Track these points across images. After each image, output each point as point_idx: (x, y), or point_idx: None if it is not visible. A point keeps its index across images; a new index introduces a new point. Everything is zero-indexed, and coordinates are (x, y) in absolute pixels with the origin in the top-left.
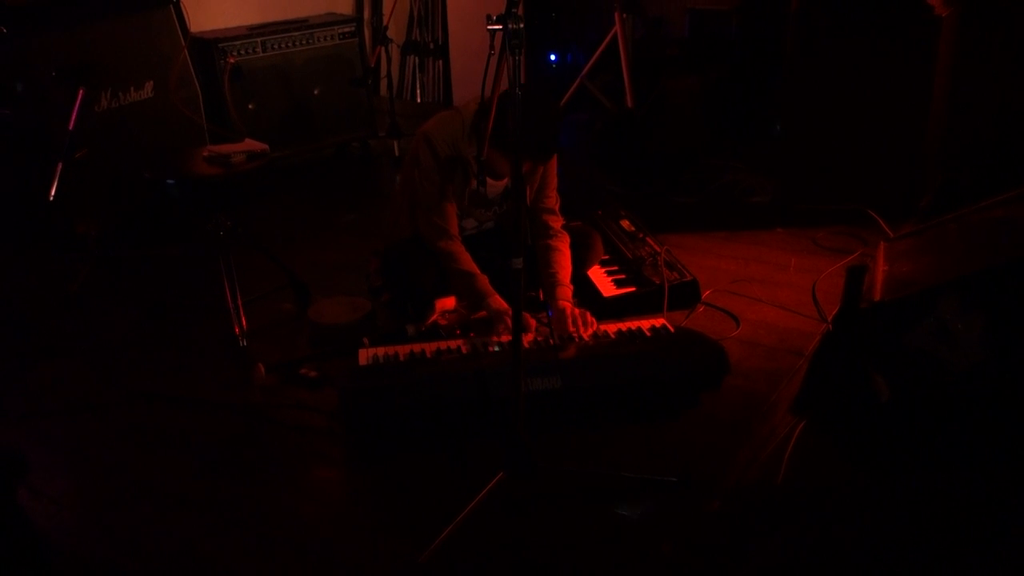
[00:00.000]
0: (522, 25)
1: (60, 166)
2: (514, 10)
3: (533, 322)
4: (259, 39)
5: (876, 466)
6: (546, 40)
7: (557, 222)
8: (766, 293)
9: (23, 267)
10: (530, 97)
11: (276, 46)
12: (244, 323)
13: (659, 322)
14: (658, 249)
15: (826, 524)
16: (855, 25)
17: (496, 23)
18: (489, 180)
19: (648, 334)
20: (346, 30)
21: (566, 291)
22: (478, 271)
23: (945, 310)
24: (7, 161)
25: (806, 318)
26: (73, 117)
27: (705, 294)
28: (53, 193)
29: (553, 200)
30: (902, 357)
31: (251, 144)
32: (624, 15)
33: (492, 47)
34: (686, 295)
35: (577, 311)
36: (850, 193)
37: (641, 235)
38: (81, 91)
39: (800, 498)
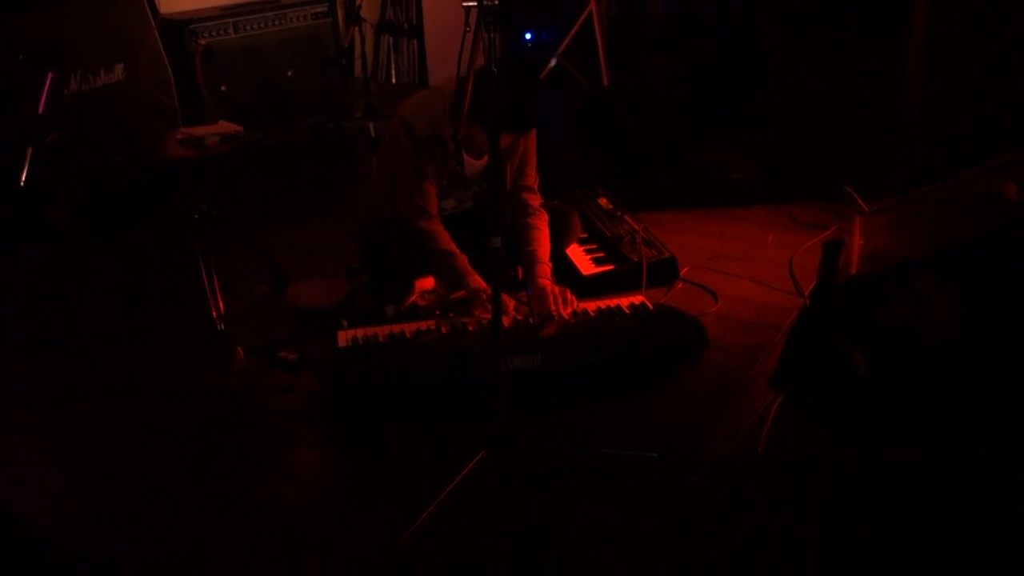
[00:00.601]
0: (497, 2)
1: (30, 151)
2: None
3: (511, 303)
4: (231, 20)
5: (854, 439)
6: (521, 18)
7: (536, 200)
8: (744, 269)
9: None
10: (507, 69)
11: (248, 27)
12: (221, 307)
13: (638, 299)
14: (636, 227)
15: (805, 496)
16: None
17: (471, 0)
18: (469, 159)
19: (627, 311)
20: (319, 10)
21: (545, 268)
22: (457, 250)
23: (920, 284)
24: None
25: (784, 293)
26: (42, 101)
27: (683, 271)
28: (24, 178)
29: (532, 178)
30: (879, 331)
31: (225, 126)
32: None
33: (467, 24)
34: (664, 272)
35: (557, 289)
36: (827, 168)
37: (619, 213)
38: (50, 74)
39: (779, 471)
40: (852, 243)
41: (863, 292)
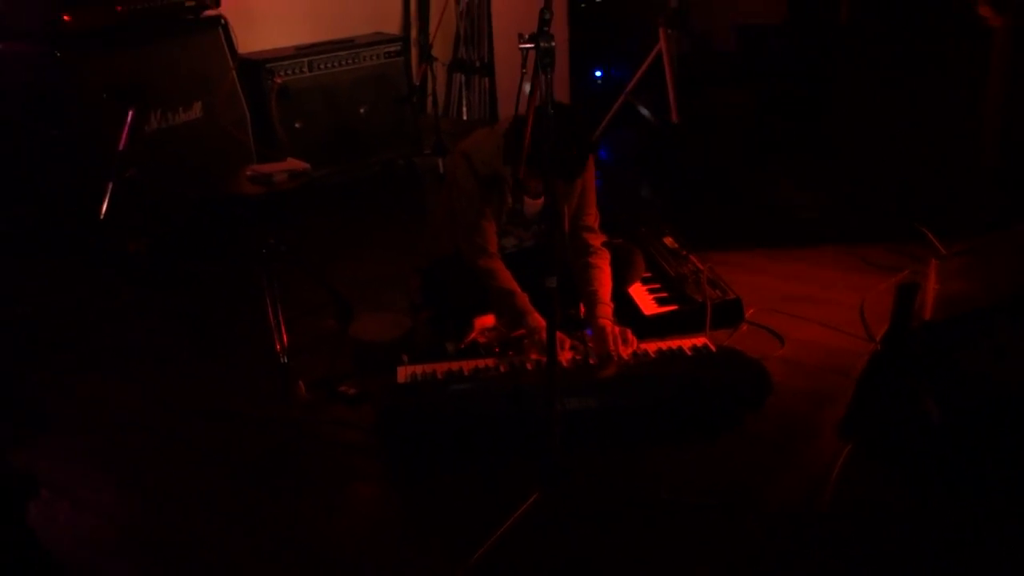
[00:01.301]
0: (554, 43)
1: (110, 185)
2: (546, 29)
3: (567, 341)
4: (306, 59)
5: (927, 492)
6: (591, 56)
7: (597, 240)
8: (812, 311)
9: (73, 283)
10: (556, 114)
11: (323, 66)
12: (285, 340)
13: (700, 341)
14: (701, 267)
15: (873, 550)
16: (905, 37)
17: (528, 42)
18: (527, 199)
19: (689, 353)
20: (391, 49)
21: (606, 309)
22: (518, 289)
23: (1000, 331)
24: (60, 181)
25: (853, 338)
26: (123, 137)
27: (749, 312)
28: (104, 212)
29: (593, 218)
30: (955, 378)
31: (293, 163)
32: (669, 30)
33: (524, 66)
34: (729, 314)
35: (618, 329)
36: (901, 208)
37: (684, 252)
38: (131, 112)
39: (844, 517)
40: (927, 287)
41: (939, 338)
